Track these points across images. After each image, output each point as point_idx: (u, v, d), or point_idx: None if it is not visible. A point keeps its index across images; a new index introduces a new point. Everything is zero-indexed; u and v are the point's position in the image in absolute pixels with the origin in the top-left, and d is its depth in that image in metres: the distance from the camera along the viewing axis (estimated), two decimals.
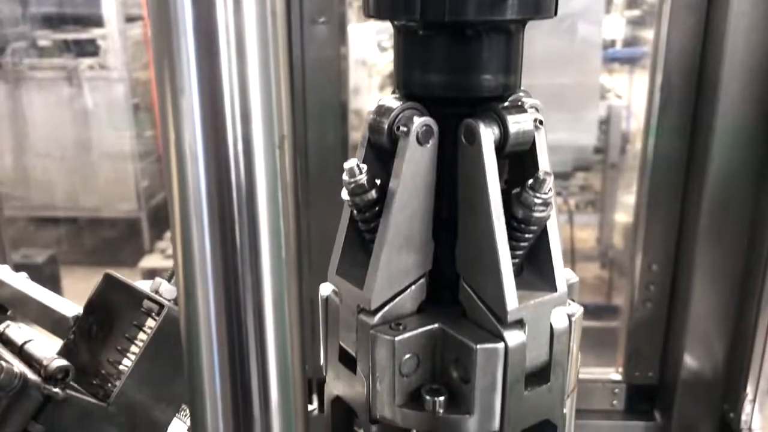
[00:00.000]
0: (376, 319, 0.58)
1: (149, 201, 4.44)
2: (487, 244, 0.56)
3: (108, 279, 0.72)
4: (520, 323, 0.57)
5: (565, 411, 0.62)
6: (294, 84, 0.44)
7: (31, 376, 0.57)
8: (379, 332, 0.57)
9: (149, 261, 3.88)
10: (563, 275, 0.59)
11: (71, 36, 4.51)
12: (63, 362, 0.59)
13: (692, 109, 2.10)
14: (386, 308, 0.59)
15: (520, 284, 0.57)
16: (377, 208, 0.58)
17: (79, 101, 4.51)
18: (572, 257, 3.07)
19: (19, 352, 0.61)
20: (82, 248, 4.48)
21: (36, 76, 4.51)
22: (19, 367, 0.57)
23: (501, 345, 0.56)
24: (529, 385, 0.59)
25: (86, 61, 4.48)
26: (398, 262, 0.58)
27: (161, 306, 0.67)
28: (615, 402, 2.36)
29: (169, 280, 0.71)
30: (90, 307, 0.72)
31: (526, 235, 0.57)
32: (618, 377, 2.36)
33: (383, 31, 2.73)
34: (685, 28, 2.02)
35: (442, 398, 0.57)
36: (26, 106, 4.58)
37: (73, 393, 0.60)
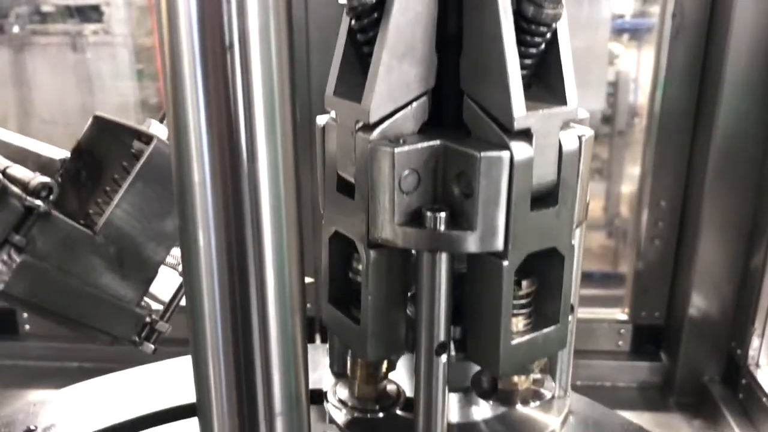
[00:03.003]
0: (375, 134, 0.55)
1: None
2: (494, 47, 0.53)
3: (97, 122, 0.70)
4: (527, 135, 0.54)
5: (573, 242, 0.60)
6: None
7: (13, 188, 0.55)
8: (378, 145, 0.54)
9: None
10: (574, 90, 0.56)
11: (75, 2, 4.46)
12: (45, 179, 0.56)
13: (701, 56, 2.06)
14: (386, 124, 0.56)
15: (529, 97, 0.54)
16: (376, 15, 0.55)
17: (83, 67, 4.47)
18: None
19: (2, 173, 0.58)
20: None
21: (40, 42, 4.46)
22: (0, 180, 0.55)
23: (506, 153, 0.53)
24: (535, 207, 0.56)
25: (90, 27, 4.43)
26: (399, 73, 0.55)
27: (151, 139, 0.64)
28: (621, 343, 2.34)
29: (161, 122, 0.68)
30: (78, 151, 0.69)
31: (536, 39, 0.54)
32: (624, 317, 2.34)
33: None
34: None
35: (443, 214, 0.54)
36: (30, 72, 4.54)
37: (58, 214, 0.58)
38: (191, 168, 0.43)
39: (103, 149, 0.69)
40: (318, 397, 0.82)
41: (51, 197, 0.57)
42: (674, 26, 2.01)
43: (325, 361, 0.74)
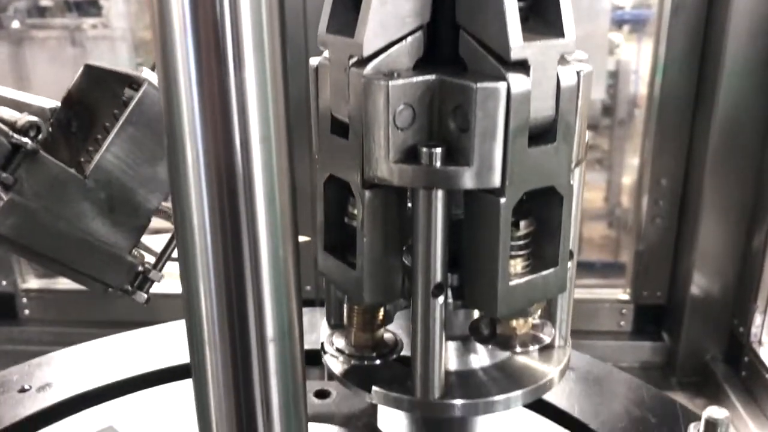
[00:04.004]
0: (368, 69, 0.54)
1: None
2: None
3: (88, 71, 0.69)
4: (524, 67, 0.53)
5: (572, 182, 0.58)
6: None
7: (0, 126, 0.54)
8: (372, 79, 0.53)
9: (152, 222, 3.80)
10: (572, 23, 0.55)
11: None
12: (33, 118, 0.55)
13: (701, 39, 2.05)
14: (380, 58, 0.54)
15: (526, 29, 0.53)
16: None
17: (82, 61, 4.45)
18: None
19: None
20: None
21: (38, 36, 4.45)
22: None
23: (503, 85, 0.52)
24: (533, 143, 0.55)
25: (89, 21, 4.42)
26: (393, 6, 0.54)
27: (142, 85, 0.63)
28: (622, 323, 2.33)
29: (152, 69, 0.67)
30: (69, 100, 0.68)
31: None
32: (625, 297, 2.33)
33: None
34: None
35: (439, 150, 0.53)
36: (29, 66, 4.53)
37: (47, 155, 0.57)
38: (181, 110, 0.41)
39: (94, 98, 0.68)
40: (316, 358, 0.81)
41: (39, 137, 0.55)
42: (673, 6, 1.99)
43: (323, 321, 0.73)
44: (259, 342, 0.43)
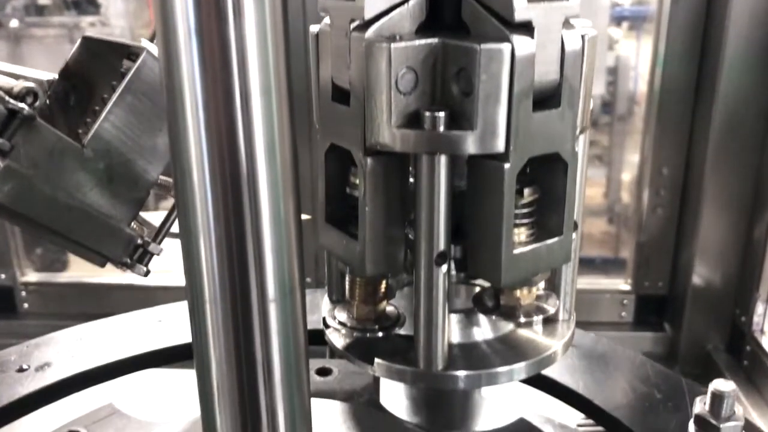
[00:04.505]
0: (370, 32, 0.53)
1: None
2: None
3: (86, 42, 0.68)
4: (528, 29, 0.52)
5: (576, 149, 0.58)
6: None
7: None
8: (374, 42, 0.52)
9: (152, 219, 3.76)
10: None
11: None
12: (30, 84, 0.55)
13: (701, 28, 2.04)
14: (381, 21, 0.54)
15: None
16: None
17: None
18: None
19: None
20: None
21: (37, 34, 4.44)
22: None
23: (507, 46, 0.51)
24: (537, 108, 0.54)
25: (87, 19, 4.40)
26: None
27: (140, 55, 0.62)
28: (624, 313, 2.32)
29: (151, 40, 0.66)
30: (66, 72, 0.67)
31: None
32: (627, 288, 2.32)
33: None
34: None
35: (442, 114, 0.53)
36: (28, 65, 4.51)
37: (44, 123, 0.56)
38: (180, 63, 0.41)
39: (92, 71, 0.67)
40: (318, 338, 0.81)
41: (36, 103, 0.55)
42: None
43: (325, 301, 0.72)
44: (260, 302, 0.43)
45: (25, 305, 2.55)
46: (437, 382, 0.60)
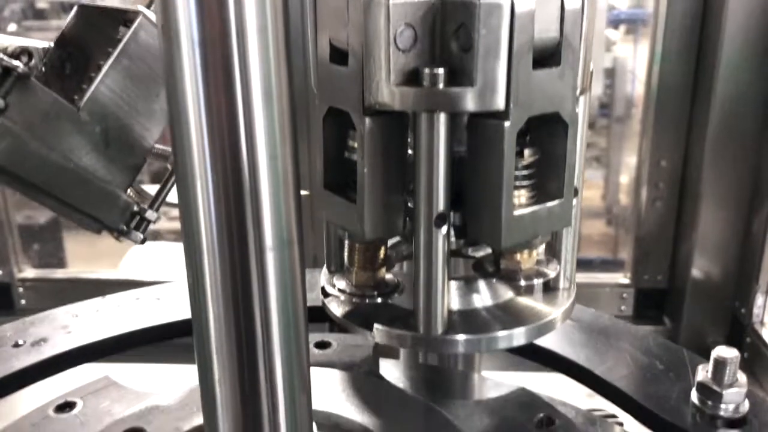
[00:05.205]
0: None
1: (150, 164, 4.33)
2: None
3: (82, 11, 0.67)
4: None
5: (577, 111, 0.57)
6: None
7: None
8: None
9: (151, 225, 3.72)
10: None
11: None
12: (26, 44, 0.54)
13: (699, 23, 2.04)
14: None
15: None
16: None
17: None
18: None
19: None
20: None
21: (35, 38, 4.43)
22: None
23: (506, 1, 0.50)
24: (537, 66, 0.53)
25: None
26: None
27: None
28: (623, 307, 2.31)
29: (148, 7, 0.66)
30: (62, 41, 0.67)
31: None
32: (626, 281, 2.31)
33: None
34: None
35: (441, 71, 0.52)
36: None
37: (39, 84, 0.55)
38: (179, 41, 0.40)
39: (89, 39, 0.66)
40: (317, 313, 0.80)
41: (31, 62, 0.54)
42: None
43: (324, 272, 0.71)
44: (257, 251, 0.42)
45: (23, 301, 2.53)
46: (437, 346, 0.59)
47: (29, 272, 2.57)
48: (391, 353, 0.85)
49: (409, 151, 0.59)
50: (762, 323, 1.99)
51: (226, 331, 0.43)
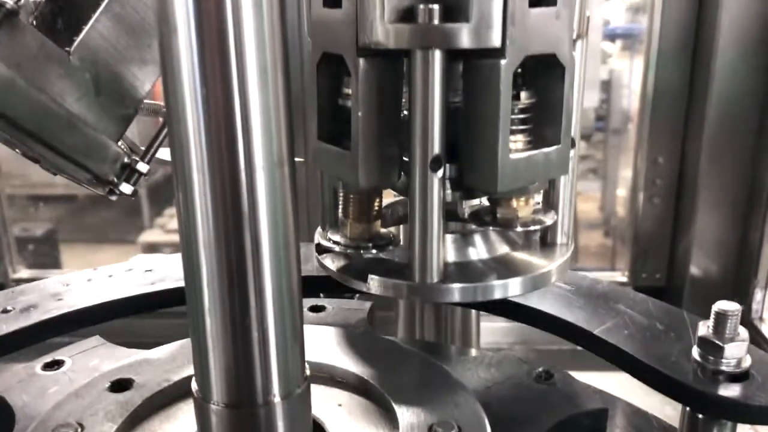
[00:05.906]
0: None
1: (149, 177, 4.22)
2: None
3: None
4: None
5: (574, 54, 0.57)
6: None
7: None
8: None
9: (149, 236, 3.55)
10: None
11: None
12: None
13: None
14: None
15: None
16: None
17: None
18: None
19: None
20: (83, 225, 4.31)
21: None
22: None
23: None
24: (534, 4, 0.53)
25: None
26: None
27: None
28: None
29: None
30: None
31: None
32: (624, 279, 2.30)
33: None
34: None
35: (436, 6, 0.51)
36: None
37: (30, 25, 0.54)
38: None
39: None
40: (312, 285, 0.79)
41: (20, 1, 0.53)
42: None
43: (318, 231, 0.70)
44: (248, 171, 0.41)
45: None
46: (432, 295, 0.58)
47: (23, 273, 2.55)
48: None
49: (404, 112, 0.58)
50: (761, 319, 1.98)
51: (217, 258, 0.42)
